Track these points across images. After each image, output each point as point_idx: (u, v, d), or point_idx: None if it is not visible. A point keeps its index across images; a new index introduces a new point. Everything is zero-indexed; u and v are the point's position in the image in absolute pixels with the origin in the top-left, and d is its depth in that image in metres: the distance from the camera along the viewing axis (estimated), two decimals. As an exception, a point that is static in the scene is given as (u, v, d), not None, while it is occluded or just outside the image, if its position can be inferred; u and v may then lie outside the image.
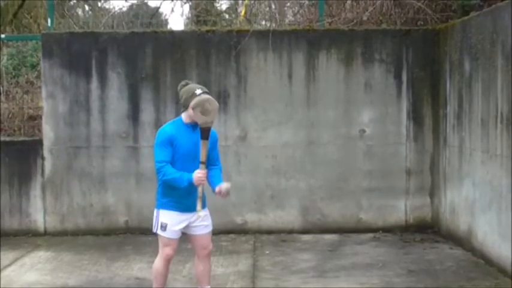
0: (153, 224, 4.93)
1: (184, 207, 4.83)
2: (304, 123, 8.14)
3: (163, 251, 4.91)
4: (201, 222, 4.93)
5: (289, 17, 10.73)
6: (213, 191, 4.86)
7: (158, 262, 4.98)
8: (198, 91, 4.75)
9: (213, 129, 4.85)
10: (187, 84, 4.89)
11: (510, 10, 5.94)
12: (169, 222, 4.83)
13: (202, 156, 4.74)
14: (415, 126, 8.17)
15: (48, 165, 8.13)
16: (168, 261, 4.96)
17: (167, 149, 4.71)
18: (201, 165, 4.73)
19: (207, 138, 4.74)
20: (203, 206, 4.83)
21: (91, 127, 8.15)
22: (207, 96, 4.74)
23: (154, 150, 4.77)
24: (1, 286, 5.89)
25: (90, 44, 8.14)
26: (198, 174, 4.68)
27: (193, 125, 4.79)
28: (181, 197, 4.79)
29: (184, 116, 4.82)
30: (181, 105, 4.86)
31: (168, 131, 4.78)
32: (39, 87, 8.69)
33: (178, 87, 4.91)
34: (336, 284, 5.90)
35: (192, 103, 4.70)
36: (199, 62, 8.14)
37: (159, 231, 4.88)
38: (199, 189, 4.73)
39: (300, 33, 8.21)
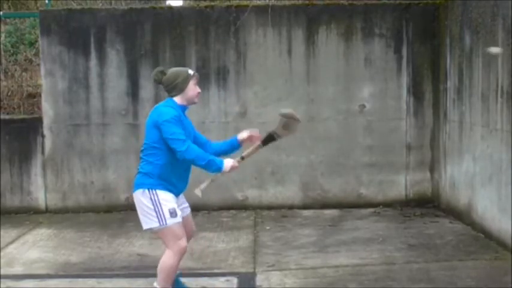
0: (156, 216, 4.34)
1: (177, 191, 4.56)
2: (304, 99, 8.11)
3: (179, 245, 4.33)
4: (183, 204, 4.70)
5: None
6: (226, 152, 4.78)
7: (172, 258, 4.34)
8: (191, 71, 4.64)
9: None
10: (163, 71, 4.64)
11: (511, -17, 5.89)
12: (175, 205, 4.42)
13: (248, 153, 4.71)
14: (415, 101, 8.15)
15: (48, 143, 8.13)
16: (183, 254, 4.44)
17: (181, 126, 4.40)
18: (240, 160, 4.66)
19: (264, 145, 4.78)
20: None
21: (90, 104, 8.13)
22: (298, 117, 4.72)
23: (165, 126, 4.38)
24: (3, 263, 5.92)
25: (89, 20, 8.09)
26: (235, 164, 4.51)
27: (185, 107, 4.63)
28: (177, 181, 4.52)
29: (179, 99, 4.59)
30: (172, 90, 4.61)
31: (176, 111, 4.47)
32: (38, 64, 8.66)
33: (158, 76, 4.62)
34: (336, 258, 5.92)
35: (286, 111, 4.71)
36: (198, 38, 8.09)
37: (170, 221, 4.31)
38: (215, 175, 4.57)
39: (299, 8, 8.14)
